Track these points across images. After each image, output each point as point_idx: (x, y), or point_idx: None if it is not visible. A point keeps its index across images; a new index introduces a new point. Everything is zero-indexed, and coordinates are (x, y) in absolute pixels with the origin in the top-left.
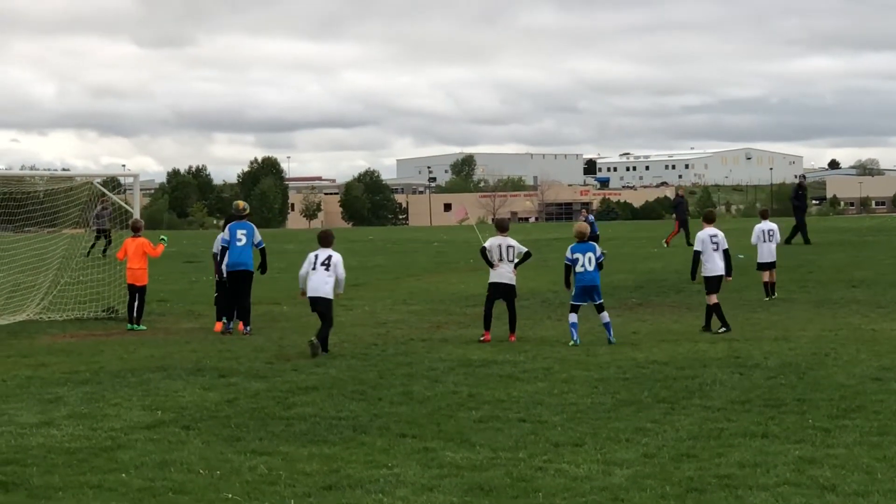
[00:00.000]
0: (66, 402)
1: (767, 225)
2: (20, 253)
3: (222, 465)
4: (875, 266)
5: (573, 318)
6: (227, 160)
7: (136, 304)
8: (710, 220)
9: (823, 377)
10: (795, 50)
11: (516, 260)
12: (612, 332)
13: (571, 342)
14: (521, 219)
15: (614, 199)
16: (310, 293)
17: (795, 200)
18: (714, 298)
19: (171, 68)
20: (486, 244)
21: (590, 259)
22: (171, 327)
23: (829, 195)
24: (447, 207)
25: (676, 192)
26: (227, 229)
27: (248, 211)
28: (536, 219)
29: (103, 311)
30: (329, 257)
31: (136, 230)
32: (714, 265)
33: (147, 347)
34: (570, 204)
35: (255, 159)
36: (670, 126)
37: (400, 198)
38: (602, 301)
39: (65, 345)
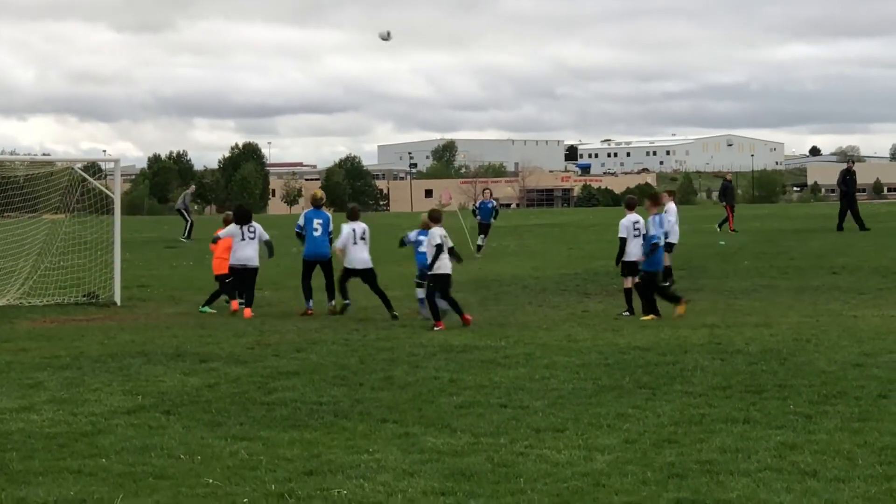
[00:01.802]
0: (47, 387)
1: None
2: (0, 238)
3: (203, 450)
4: (856, 253)
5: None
6: (208, 146)
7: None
8: (631, 206)
9: (805, 363)
10: (776, 37)
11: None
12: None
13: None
14: (502, 205)
15: (595, 185)
16: (359, 265)
17: (843, 186)
18: (629, 282)
19: (151, 53)
20: (439, 238)
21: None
22: (151, 313)
23: (809, 182)
24: (428, 193)
25: (724, 178)
26: (303, 216)
27: (324, 200)
28: (518, 205)
29: (84, 296)
30: (365, 230)
31: (227, 222)
32: (633, 251)
33: (128, 332)
34: (551, 190)
35: (236, 145)
36: (652, 112)
37: (381, 184)
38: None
39: (45, 330)
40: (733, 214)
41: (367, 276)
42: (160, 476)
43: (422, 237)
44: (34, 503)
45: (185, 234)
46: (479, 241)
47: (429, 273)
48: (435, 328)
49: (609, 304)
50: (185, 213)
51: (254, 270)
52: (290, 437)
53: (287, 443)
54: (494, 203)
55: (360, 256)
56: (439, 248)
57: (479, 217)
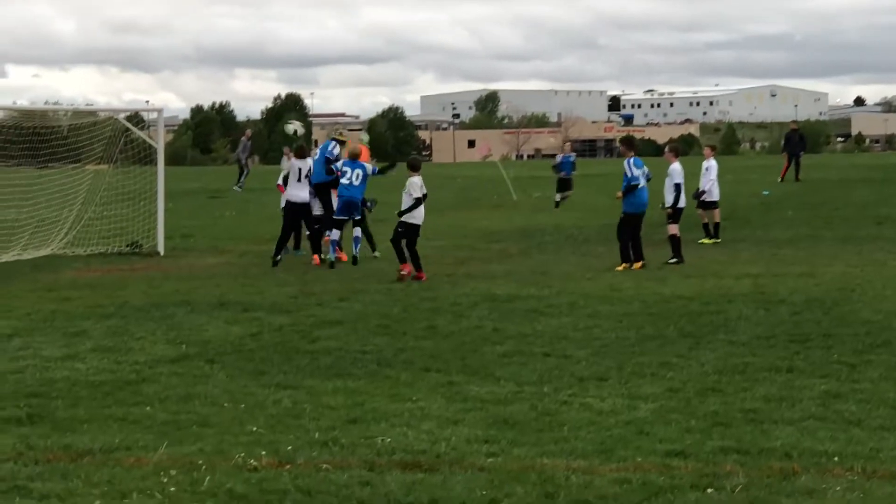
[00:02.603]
0: (91, 336)
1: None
2: (44, 188)
3: (247, 398)
4: None
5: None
6: (249, 96)
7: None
8: (677, 154)
9: (849, 312)
10: None
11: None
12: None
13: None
14: (545, 155)
15: (638, 135)
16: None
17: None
18: (675, 229)
19: (190, 4)
20: (419, 189)
21: (357, 175)
22: (195, 262)
23: (854, 132)
24: (471, 144)
25: (790, 128)
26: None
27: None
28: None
29: (127, 246)
30: (310, 168)
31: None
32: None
33: (171, 282)
34: (593, 141)
35: (279, 95)
36: (694, 63)
37: (424, 134)
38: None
39: (89, 279)
40: (791, 166)
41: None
42: (204, 424)
43: (346, 168)
44: (80, 450)
45: (238, 183)
46: (558, 198)
47: (401, 220)
48: (401, 272)
49: (652, 254)
50: (244, 162)
51: (304, 207)
52: (334, 386)
53: (331, 391)
54: (574, 157)
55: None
56: (418, 201)
57: (561, 172)
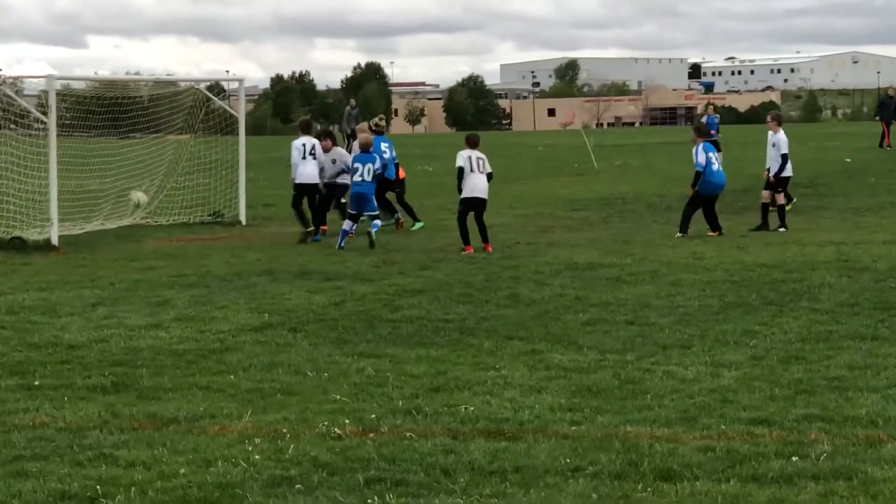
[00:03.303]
0: (174, 305)
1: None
2: (126, 158)
3: (330, 367)
4: None
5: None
6: (328, 66)
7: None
8: (780, 122)
9: None
10: None
11: (489, 170)
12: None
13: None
14: (625, 123)
15: (719, 103)
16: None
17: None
18: (781, 198)
19: None
20: (459, 160)
21: (368, 170)
22: (276, 231)
23: None
24: (551, 112)
25: (887, 93)
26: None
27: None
28: (641, 123)
29: (209, 215)
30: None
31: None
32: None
33: (253, 251)
34: (674, 109)
35: (359, 65)
36: (774, 30)
37: (504, 103)
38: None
39: (171, 248)
40: (887, 132)
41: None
42: (288, 392)
43: (357, 164)
44: (164, 418)
45: None
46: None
47: (461, 197)
48: (463, 252)
49: (734, 222)
50: (349, 132)
51: (313, 188)
52: (417, 355)
53: (413, 360)
54: (718, 118)
55: (478, 184)
56: (461, 171)
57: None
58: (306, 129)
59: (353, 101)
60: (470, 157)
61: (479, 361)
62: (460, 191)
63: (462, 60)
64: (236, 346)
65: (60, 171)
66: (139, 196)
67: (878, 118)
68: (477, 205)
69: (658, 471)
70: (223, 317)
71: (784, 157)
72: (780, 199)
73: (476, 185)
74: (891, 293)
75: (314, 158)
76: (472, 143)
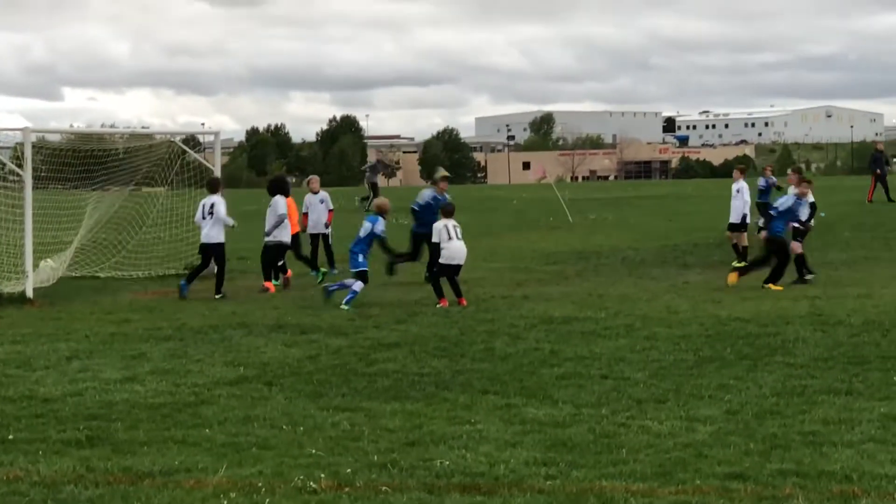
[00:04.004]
0: (150, 359)
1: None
2: (99, 210)
3: (305, 420)
4: None
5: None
6: (304, 118)
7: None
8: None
9: None
10: (871, 6)
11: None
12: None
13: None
14: (599, 177)
15: (694, 157)
16: (458, 261)
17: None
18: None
19: (245, 26)
20: (436, 235)
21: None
22: (251, 285)
23: None
24: (526, 166)
25: (876, 148)
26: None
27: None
28: (616, 177)
29: (185, 268)
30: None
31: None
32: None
33: (228, 304)
34: (648, 162)
35: (334, 117)
36: (749, 83)
37: (479, 156)
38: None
39: (147, 301)
40: (885, 186)
41: (457, 271)
42: (263, 446)
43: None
44: (139, 472)
45: (367, 204)
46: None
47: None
48: (438, 305)
49: (709, 276)
50: (373, 187)
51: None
52: (392, 408)
53: (389, 413)
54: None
55: (457, 251)
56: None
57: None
58: (213, 188)
59: (378, 153)
60: (446, 227)
61: (455, 415)
62: (438, 254)
63: (437, 113)
64: (212, 399)
65: (35, 223)
66: (49, 263)
67: (877, 171)
68: (456, 270)
69: None
70: (199, 370)
71: (812, 206)
72: (798, 248)
73: (456, 253)
74: (865, 347)
75: (212, 217)
76: (448, 213)
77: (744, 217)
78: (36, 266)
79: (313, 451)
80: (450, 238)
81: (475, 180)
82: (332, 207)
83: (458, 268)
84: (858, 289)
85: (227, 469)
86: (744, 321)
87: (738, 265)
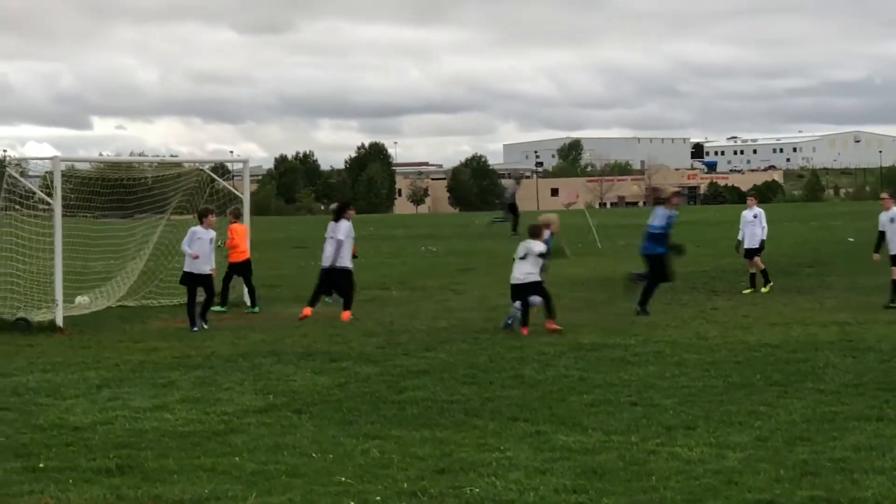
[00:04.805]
0: (179, 387)
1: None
2: (131, 239)
3: (335, 448)
4: None
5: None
6: (331, 146)
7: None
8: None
9: None
10: None
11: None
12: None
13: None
14: (628, 203)
15: (722, 182)
16: (512, 281)
17: None
18: None
19: (272, 54)
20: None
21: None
22: (281, 312)
23: None
24: (554, 192)
25: None
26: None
27: None
28: (644, 203)
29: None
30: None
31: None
32: None
33: (258, 332)
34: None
35: (363, 145)
36: (776, 109)
37: (507, 183)
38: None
39: (176, 330)
40: None
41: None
42: (293, 474)
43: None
44: (170, 501)
45: (512, 229)
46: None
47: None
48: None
49: (738, 302)
50: (512, 207)
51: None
52: (422, 436)
53: (418, 441)
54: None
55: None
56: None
57: None
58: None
59: (515, 174)
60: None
61: (484, 443)
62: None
63: (465, 140)
64: (241, 427)
65: (65, 251)
66: (82, 300)
67: None
68: (513, 291)
69: None
70: (228, 398)
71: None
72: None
73: (514, 272)
74: (895, 373)
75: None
76: (532, 234)
77: (762, 242)
78: (70, 301)
79: (343, 479)
80: (514, 258)
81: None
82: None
83: (513, 288)
84: (889, 315)
85: (257, 497)
86: (773, 347)
87: (765, 290)
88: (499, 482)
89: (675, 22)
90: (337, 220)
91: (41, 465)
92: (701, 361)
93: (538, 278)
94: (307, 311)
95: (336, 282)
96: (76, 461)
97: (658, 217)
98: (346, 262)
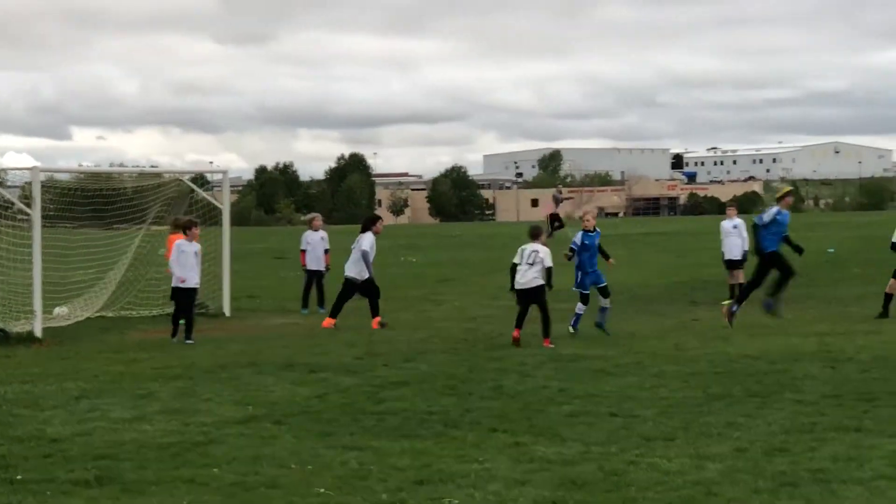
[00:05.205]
0: (158, 398)
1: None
2: (110, 249)
3: (314, 459)
4: None
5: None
6: (311, 156)
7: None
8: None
9: None
10: (878, 42)
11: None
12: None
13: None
14: (608, 214)
15: (702, 193)
16: (519, 286)
17: None
18: None
19: (252, 65)
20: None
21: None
22: (260, 323)
23: None
24: (534, 203)
25: None
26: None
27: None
28: (624, 214)
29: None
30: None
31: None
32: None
33: (237, 343)
34: (657, 199)
35: (343, 155)
36: (756, 120)
37: (487, 193)
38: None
39: (156, 340)
40: None
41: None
42: (272, 486)
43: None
44: None
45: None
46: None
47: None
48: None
49: (717, 313)
50: (555, 217)
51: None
52: (401, 447)
53: (398, 452)
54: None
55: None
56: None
57: None
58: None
59: (560, 187)
60: (522, 251)
61: (463, 454)
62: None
63: (445, 151)
64: (220, 438)
65: (44, 262)
66: (61, 310)
67: None
68: (520, 295)
69: None
70: (207, 409)
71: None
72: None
73: (520, 278)
74: (874, 384)
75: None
76: (532, 236)
77: (744, 253)
78: (49, 311)
79: (322, 490)
80: (519, 263)
81: (483, 217)
82: (328, 248)
83: (520, 292)
84: (867, 325)
85: None
86: (753, 358)
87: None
88: (478, 493)
89: (654, 33)
90: (364, 231)
91: (19, 477)
92: (680, 372)
93: (542, 282)
94: (329, 321)
95: (365, 292)
96: (54, 473)
97: (770, 214)
98: (366, 272)
